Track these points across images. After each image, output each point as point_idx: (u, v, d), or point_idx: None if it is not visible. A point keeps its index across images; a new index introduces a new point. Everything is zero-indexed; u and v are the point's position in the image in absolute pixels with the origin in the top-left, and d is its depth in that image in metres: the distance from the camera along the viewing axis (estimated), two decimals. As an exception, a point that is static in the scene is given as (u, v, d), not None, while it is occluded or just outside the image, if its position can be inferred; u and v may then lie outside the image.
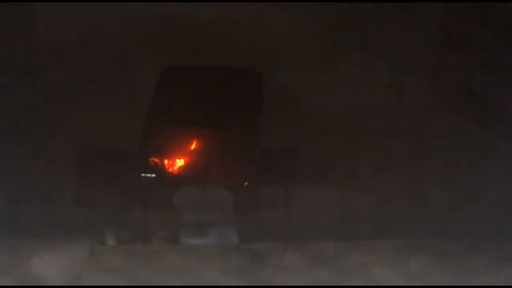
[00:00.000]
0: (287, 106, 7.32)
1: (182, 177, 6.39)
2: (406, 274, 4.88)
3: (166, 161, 6.52)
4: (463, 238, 5.38)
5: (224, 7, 7.63)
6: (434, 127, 7.17)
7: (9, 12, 7.14)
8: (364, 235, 5.53)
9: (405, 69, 7.61)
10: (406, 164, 6.66)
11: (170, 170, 6.51)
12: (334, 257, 5.04)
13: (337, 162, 6.63)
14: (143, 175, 6.46)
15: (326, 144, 6.85)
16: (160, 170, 6.47)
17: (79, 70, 7.61)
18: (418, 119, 7.31)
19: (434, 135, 7.05)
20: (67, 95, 7.55)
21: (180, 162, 6.53)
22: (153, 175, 6.45)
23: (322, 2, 7.60)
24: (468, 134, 6.82)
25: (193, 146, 6.61)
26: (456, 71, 7.26)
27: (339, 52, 7.70)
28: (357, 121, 7.24)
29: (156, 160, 6.49)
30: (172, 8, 7.63)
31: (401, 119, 7.27)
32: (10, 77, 7.10)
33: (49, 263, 5.05)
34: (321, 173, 6.50)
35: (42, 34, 7.75)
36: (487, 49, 6.91)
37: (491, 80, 6.83)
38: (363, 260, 5.03)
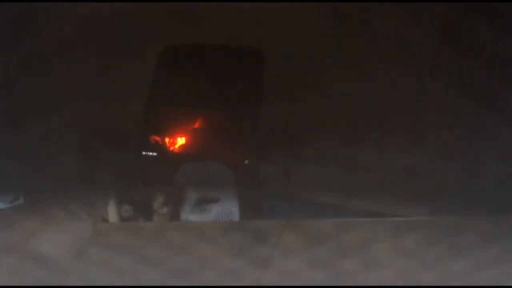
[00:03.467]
0: (289, 84, 7.32)
1: (183, 155, 6.42)
2: (402, 249, 4.96)
3: (167, 140, 6.55)
4: (459, 215, 5.44)
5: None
6: (431, 109, 7.20)
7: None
8: (363, 213, 5.59)
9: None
10: (403, 142, 6.70)
11: (172, 148, 6.55)
12: (333, 235, 5.11)
13: (337, 140, 6.66)
14: (144, 153, 6.49)
15: (327, 123, 6.87)
16: (161, 148, 6.50)
17: (78, 48, 7.59)
18: (416, 103, 7.33)
19: (431, 116, 7.07)
20: (67, 74, 7.55)
21: (181, 141, 6.56)
22: (155, 154, 6.48)
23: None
24: (463, 117, 6.85)
25: (194, 125, 6.64)
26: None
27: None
28: (357, 101, 7.25)
29: (157, 138, 6.52)
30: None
31: (400, 101, 7.29)
32: (11, 60, 7.10)
33: (52, 241, 5.11)
34: (321, 152, 6.53)
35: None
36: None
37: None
38: (362, 236, 5.09)
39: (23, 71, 7.22)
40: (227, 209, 5.81)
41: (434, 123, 6.94)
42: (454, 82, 7.29)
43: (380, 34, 7.68)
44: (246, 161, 6.37)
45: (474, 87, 7.00)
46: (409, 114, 7.13)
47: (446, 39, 7.43)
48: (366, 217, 5.48)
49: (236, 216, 5.78)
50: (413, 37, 7.61)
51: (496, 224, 5.11)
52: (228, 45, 7.41)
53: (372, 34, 7.66)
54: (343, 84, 7.41)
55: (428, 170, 6.31)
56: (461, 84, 7.20)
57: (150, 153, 6.49)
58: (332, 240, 5.07)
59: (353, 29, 7.71)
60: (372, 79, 7.51)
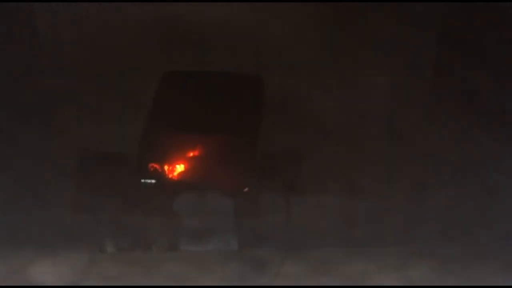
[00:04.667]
0: (287, 111, 7.29)
1: (182, 183, 6.36)
2: (407, 281, 4.85)
3: (166, 167, 6.50)
4: (465, 244, 5.33)
5: (225, 11, 7.61)
6: (435, 129, 7.14)
7: (9, 13, 7.12)
8: (365, 241, 5.49)
9: (405, 69, 7.57)
10: (407, 168, 6.63)
11: (170, 176, 6.50)
12: (335, 264, 5.01)
13: (337, 167, 6.60)
14: (143, 181, 6.44)
15: (326, 149, 6.82)
16: (160, 176, 6.45)
17: (79, 73, 7.59)
18: (418, 121, 7.28)
19: (435, 137, 7.01)
20: (67, 98, 7.53)
21: (180, 168, 6.51)
22: (153, 181, 6.43)
23: (323, 2, 7.58)
24: (469, 136, 6.77)
25: (193, 152, 6.59)
26: (456, 71, 7.22)
27: (340, 54, 7.67)
28: (357, 125, 7.21)
29: (156, 165, 6.47)
30: (173, 11, 7.62)
31: (402, 121, 7.23)
32: (9, 79, 7.07)
33: (48, 271, 5.02)
34: (322, 179, 6.46)
35: (42, 35, 7.74)
36: (487, 49, 6.87)
37: (491, 80, 6.80)
38: (364, 267, 4.99)
39: (23, 94, 7.21)
40: (226, 238, 5.72)
41: (441, 144, 6.88)
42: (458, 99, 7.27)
43: (378, 59, 7.69)
44: (246, 189, 6.32)
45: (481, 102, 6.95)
46: (413, 134, 7.08)
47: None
48: (369, 246, 5.38)
49: (235, 246, 5.69)
50: (414, 56, 7.62)
51: (508, 254, 5.00)
52: (228, 72, 7.41)
53: (371, 60, 7.67)
54: (344, 109, 7.39)
55: (433, 199, 6.23)
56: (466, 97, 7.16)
57: (149, 181, 6.44)
58: (335, 270, 4.97)
59: (352, 55, 7.72)
60: (373, 100, 7.49)
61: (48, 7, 7.66)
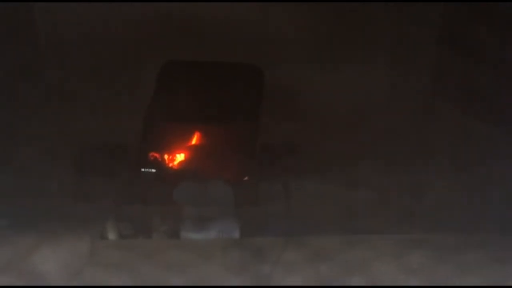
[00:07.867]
0: (287, 100, 7.31)
1: (182, 172, 6.38)
2: (406, 269, 4.89)
3: (166, 156, 6.51)
4: (464, 234, 5.38)
5: (224, 6, 7.62)
6: (435, 124, 7.18)
7: (9, 12, 7.13)
8: (364, 230, 5.53)
9: (405, 69, 7.60)
10: (407, 159, 6.66)
11: (170, 165, 6.51)
12: (334, 252, 5.05)
13: (337, 157, 6.63)
14: (143, 170, 6.46)
15: (326, 138, 6.84)
16: (160, 165, 6.47)
17: (79, 67, 7.60)
18: (418, 117, 7.31)
19: (434, 131, 7.05)
20: (68, 89, 7.55)
21: (180, 157, 6.53)
22: (153, 170, 6.44)
23: (323, 1, 7.60)
24: (467, 133, 6.82)
25: (193, 141, 6.61)
26: (456, 71, 7.25)
27: (340, 51, 7.70)
28: (358, 116, 7.24)
29: (156, 155, 6.49)
30: (173, 7, 7.63)
31: (402, 116, 7.27)
32: (10, 75, 7.09)
33: (49, 259, 5.05)
34: (322, 168, 6.49)
35: (42, 34, 7.75)
36: (487, 48, 6.90)
37: (491, 79, 6.83)
38: (364, 255, 5.03)
39: (22, 83, 7.22)
40: (227, 226, 5.75)
41: (439, 138, 6.91)
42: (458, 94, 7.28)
43: (377, 51, 7.70)
44: (246, 178, 6.34)
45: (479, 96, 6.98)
46: (413, 128, 7.11)
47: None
48: (368, 234, 5.42)
49: (236, 234, 5.73)
50: (413, 50, 7.64)
51: (505, 244, 5.05)
52: (228, 62, 7.42)
53: (370, 52, 7.68)
54: (344, 98, 7.41)
55: (432, 187, 6.27)
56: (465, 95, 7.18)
57: (149, 170, 6.46)
58: (334, 258, 5.01)
59: (351, 46, 7.73)
60: (373, 93, 7.50)
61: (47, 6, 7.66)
